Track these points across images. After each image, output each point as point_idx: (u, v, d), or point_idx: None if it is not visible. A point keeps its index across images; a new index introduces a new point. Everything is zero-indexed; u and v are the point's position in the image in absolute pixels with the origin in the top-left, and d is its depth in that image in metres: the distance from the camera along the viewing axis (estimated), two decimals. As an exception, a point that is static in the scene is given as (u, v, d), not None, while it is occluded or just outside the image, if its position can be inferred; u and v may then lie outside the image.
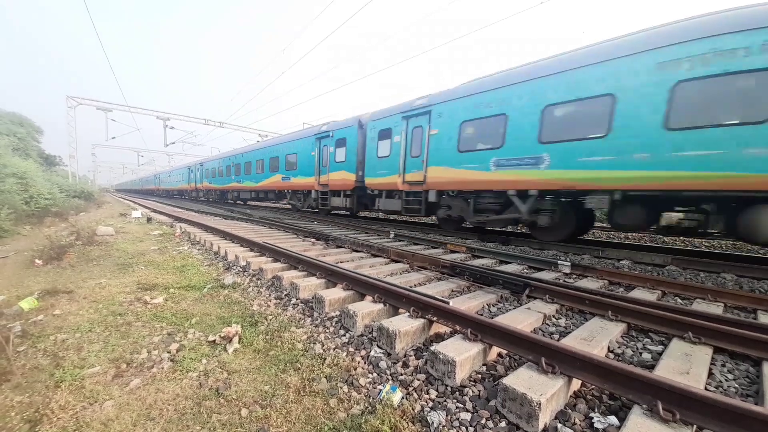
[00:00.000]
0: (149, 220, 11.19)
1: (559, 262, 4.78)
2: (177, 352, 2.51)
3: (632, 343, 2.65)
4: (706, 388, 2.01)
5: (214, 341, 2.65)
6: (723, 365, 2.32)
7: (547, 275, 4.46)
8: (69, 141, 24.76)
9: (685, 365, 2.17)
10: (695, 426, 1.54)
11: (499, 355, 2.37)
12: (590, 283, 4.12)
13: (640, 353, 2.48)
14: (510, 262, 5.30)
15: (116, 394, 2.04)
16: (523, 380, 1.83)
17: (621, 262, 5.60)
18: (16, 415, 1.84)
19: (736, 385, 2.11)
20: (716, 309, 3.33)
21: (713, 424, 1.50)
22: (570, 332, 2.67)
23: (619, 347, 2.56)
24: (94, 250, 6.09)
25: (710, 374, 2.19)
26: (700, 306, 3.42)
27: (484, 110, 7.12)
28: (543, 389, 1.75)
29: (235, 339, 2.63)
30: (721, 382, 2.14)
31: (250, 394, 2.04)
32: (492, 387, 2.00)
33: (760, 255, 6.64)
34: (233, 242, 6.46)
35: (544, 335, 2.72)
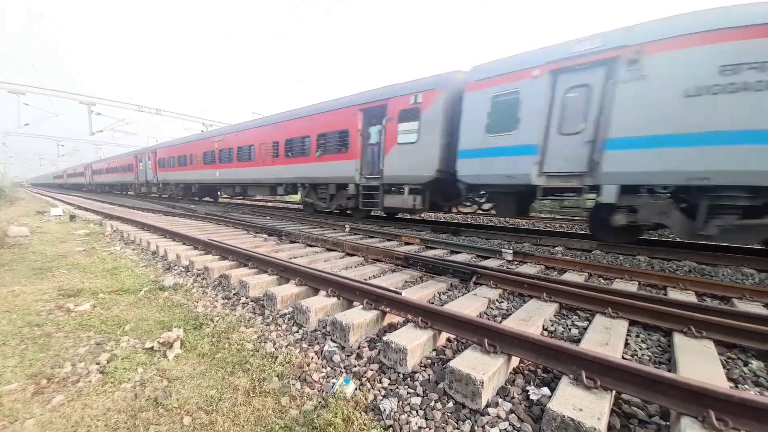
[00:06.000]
0: (73, 218, 9.93)
1: (503, 250, 5.12)
2: (108, 362, 2.28)
3: (563, 320, 2.94)
4: (623, 357, 2.29)
5: (152, 348, 2.45)
6: (637, 336, 2.66)
7: (492, 263, 4.76)
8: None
9: (605, 337, 2.46)
10: (614, 391, 1.75)
11: (448, 339, 2.50)
12: (529, 269, 4.48)
13: (570, 329, 2.76)
14: (460, 252, 5.56)
15: (37, 413, 1.82)
16: (468, 361, 1.95)
17: (556, 248, 6.16)
18: None
19: (650, 354, 2.42)
20: (632, 287, 3.80)
21: (629, 388, 1.69)
22: (510, 314, 2.89)
23: (552, 325, 2.83)
24: (5, 253, 5.28)
25: (626, 344, 2.50)
26: (618, 285, 3.88)
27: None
28: (485, 368, 1.87)
29: (177, 344, 2.46)
30: (636, 351, 2.45)
31: (193, 401, 1.93)
32: (441, 370, 2.10)
33: (669, 239, 7.69)
34: (174, 240, 5.98)
35: (488, 318, 2.91)
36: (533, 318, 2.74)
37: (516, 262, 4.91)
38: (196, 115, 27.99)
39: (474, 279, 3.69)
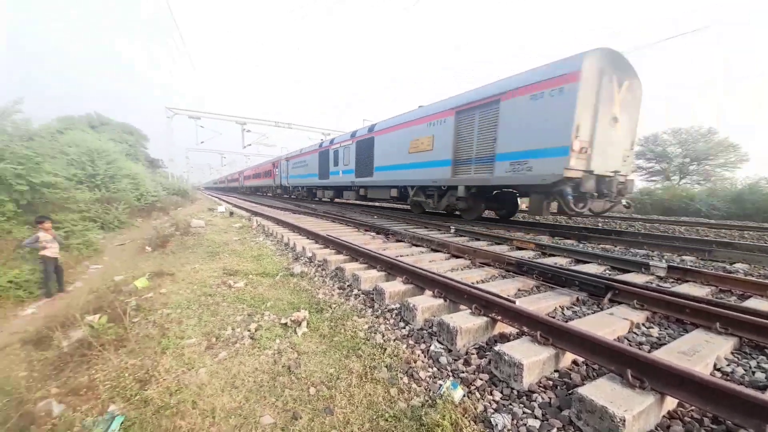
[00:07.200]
0: (231, 214, 12.56)
1: (651, 263, 4.16)
2: (255, 330, 2.79)
3: (745, 360, 2.21)
4: None
5: (285, 324, 2.88)
6: None
7: (635, 278, 3.92)
8: (168, 146, 28.92)
9: (827, 395, 1.73)
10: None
11: (574, 362, 2.16)
12: (693, 289, 3.51)
13: (753, 372, 2.05)
14: (588, 262, 4.77)
15: (208, 363, 2.34)
16: (604, 392, 1.64)
17: (734, 265, 4.68)
18: (129, 375, 2.22)
19: None
20: None
21: None
22: (664, 344, 2.32)
23: (728, 365, 2.15)
24: (189, 239, 7.04)
25: None
26: None
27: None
28: (629, 405, 1.54)
29: (304, 323, 2.82)
30: None
31: (317, 375, 2.17)
32: (565, 396, 1.84)
33: None
34: (300, 234, 6.92)
35: (630, 345, 2.40)
36: (700, 352, 2.13)
37: (672, 280, 3.93)
38: (318, 126, 32.59)
39: (609, 295, 3.11)
